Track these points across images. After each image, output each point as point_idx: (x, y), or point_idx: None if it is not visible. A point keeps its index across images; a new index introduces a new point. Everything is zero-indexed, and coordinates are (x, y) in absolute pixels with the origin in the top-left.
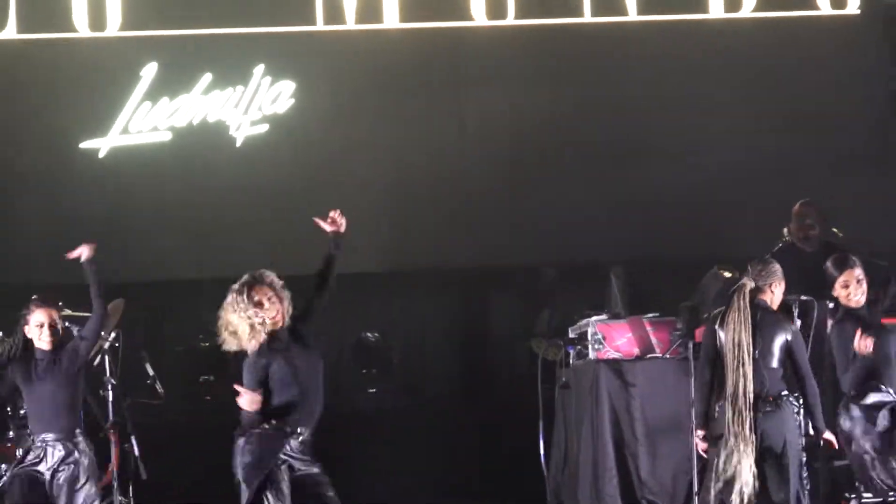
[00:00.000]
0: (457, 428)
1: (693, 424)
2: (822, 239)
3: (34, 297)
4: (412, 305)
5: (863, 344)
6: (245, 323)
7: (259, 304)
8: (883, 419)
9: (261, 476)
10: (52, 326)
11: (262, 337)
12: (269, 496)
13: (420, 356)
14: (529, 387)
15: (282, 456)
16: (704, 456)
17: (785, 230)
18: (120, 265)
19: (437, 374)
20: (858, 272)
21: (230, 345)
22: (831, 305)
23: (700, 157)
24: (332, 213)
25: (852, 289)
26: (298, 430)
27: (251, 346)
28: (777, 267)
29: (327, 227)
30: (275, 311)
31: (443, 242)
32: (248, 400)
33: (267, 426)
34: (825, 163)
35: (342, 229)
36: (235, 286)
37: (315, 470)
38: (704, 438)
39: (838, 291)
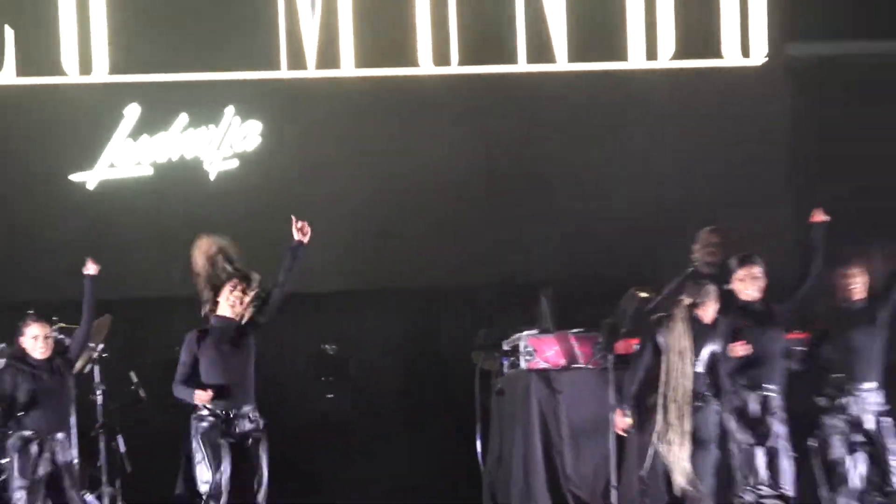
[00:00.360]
0: (404, 429)
1: (620, 408)
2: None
3: (29, 312)
4: (367, 321)
5: (737, 348)
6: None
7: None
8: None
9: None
10: (46, 338)
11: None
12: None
13: (373, 366)
14: (469, 393)
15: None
16: (622, 433)
17: (695, 254)
18: (105, 283)
19: (388, 381)
20: (757, 270)
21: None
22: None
23: (620, 191)
24: (302, 224)
25: (748, 282)
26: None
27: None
28: (712, 288)
29: (296, 234)
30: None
31: (395, 265)
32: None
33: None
34: (731, 197)
35: (306, 240)
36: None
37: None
38: (624, 420)
39: (735, 284)
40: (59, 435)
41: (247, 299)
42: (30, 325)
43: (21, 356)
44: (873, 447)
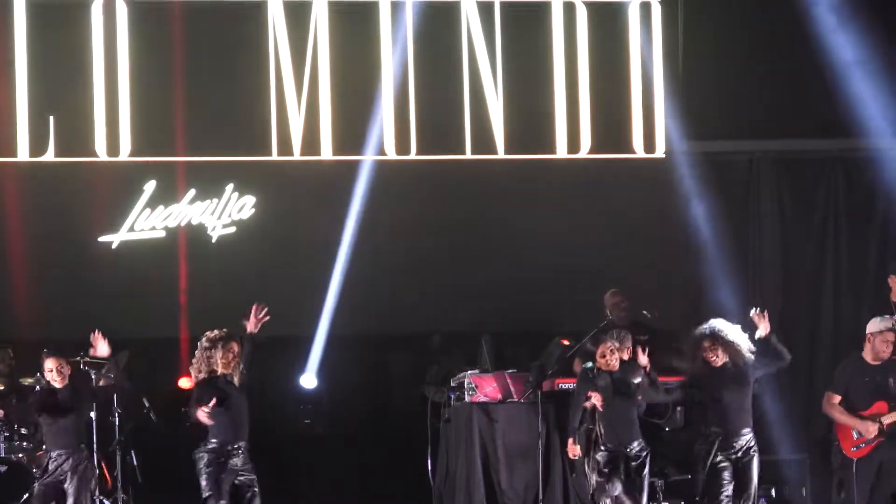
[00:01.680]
0: (366, 450)
1: (570, 439)
2: (631, 317)
3: (45, 349)
4: (338, 359)
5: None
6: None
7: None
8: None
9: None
10: (59, 371)
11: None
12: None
13: (342, 397)
14: (421, 422)
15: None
16: (573, 458)
17: (607, 311)
18: (125, 325)
19: (354, 410)
20: (612, 344)
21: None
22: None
23: (546, 257)
24: (260, 313)
25: (607, 358)
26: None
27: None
28: (630, 335)
29: (250, 325)
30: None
31: (360, 314)
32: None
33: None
34: (637, 264)
35: (256, 330)
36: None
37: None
38: (574, 448)
39: (598, 360)
40: (62, 451)
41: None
42: (46, 360)
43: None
44: None
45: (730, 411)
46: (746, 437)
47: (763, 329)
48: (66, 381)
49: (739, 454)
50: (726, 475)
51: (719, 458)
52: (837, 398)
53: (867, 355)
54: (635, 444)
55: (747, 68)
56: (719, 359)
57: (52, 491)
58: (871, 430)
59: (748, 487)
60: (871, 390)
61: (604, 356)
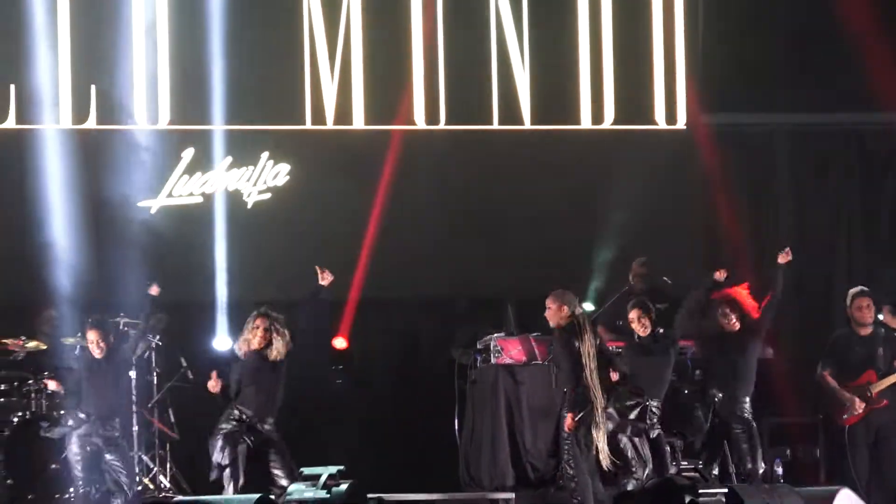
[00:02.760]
0: (395, 409)
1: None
2: (653, 284)
3: (88, 320)
4: (369, 323)
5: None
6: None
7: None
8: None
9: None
10: (98, 343)
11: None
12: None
13: (372, 358)
14: (448, 383)
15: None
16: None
17: (630, 277)
18: (164, 287)
19: (384, 371)
20: (636, 313)
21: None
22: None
23: (569, 225)
24: (324, 272)
25: (635, 325)
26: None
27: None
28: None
29: (322, 280)
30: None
31: (391, 280)
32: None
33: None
34: (657, 231)
35: (327, 283)
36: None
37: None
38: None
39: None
40: (113, 417)
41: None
42: (88, 332)
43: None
44: None
45: (735, 377)
46: (743, 405)
47: (783, 258)
48: (104, 353)
49: (734, 420)
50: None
51: (717, 421)
52: (828, 371)
53: (855, 326)
54: (655, 401)
55: (765, 43)
56: (735, 323)
57: (92, 451)
58: (858, 406)
59: (742, 453)
60: (861, 360)
61: (633, 322)
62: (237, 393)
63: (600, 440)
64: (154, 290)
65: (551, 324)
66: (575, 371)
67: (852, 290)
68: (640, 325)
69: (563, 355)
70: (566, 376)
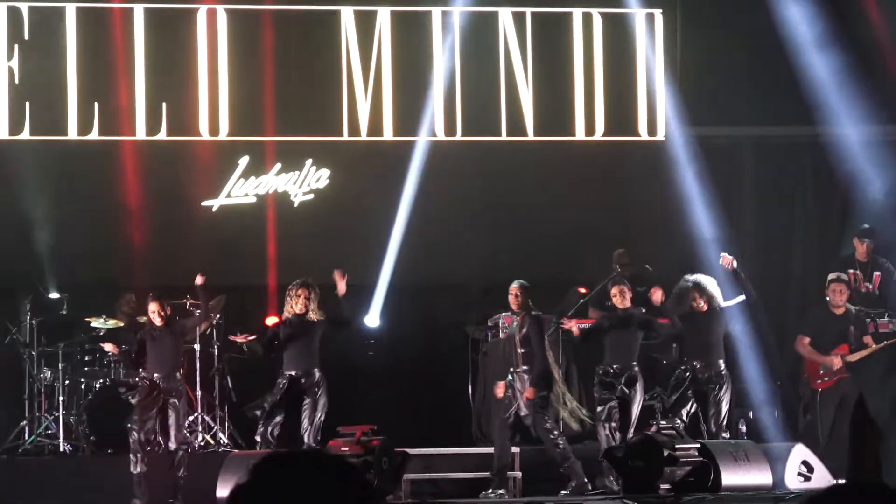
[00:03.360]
0: (419, 377)
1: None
2: (635, 270)
3: (151, 293)
4: (394, 305)
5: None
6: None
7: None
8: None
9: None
10: (159, 312)
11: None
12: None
13: (399, 334)
14: (463, 355)
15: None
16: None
17: (615, 266)
18: (223, 273)
19: (409, 345)
20: (617, 289)
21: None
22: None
23: (566, 221)
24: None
25: (616, 299)
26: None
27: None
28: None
29: (339, 292)
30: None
31: (414, 268)
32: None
33: None
34: (640, 227)
35: (341, 293)
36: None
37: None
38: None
39: (612, 298)
40: (171, 379)
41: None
42: (150, 303)
43: (149, 322)
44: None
45: (707, 346)
46: (720, 368)
47: (729, 264)
48: (164, 322)
49: (713, 381)
50: (693, 398)
51: (693, 386)
52: (807, 339)
53: (830, 307)
54: (634, 366)
55: (732, 65)
56: (703, 305)
57: (151, 408)
58: (836, 363)
59: (720, 409)
60: (835, 335)
61: (615, 296)
62: (282, 351)
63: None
64: (199, 280)
65: (519, 307)
66: (543, 353)
67: (830, 275)
68: (619, 299)
69: (540, 338)
70: (537, 356)
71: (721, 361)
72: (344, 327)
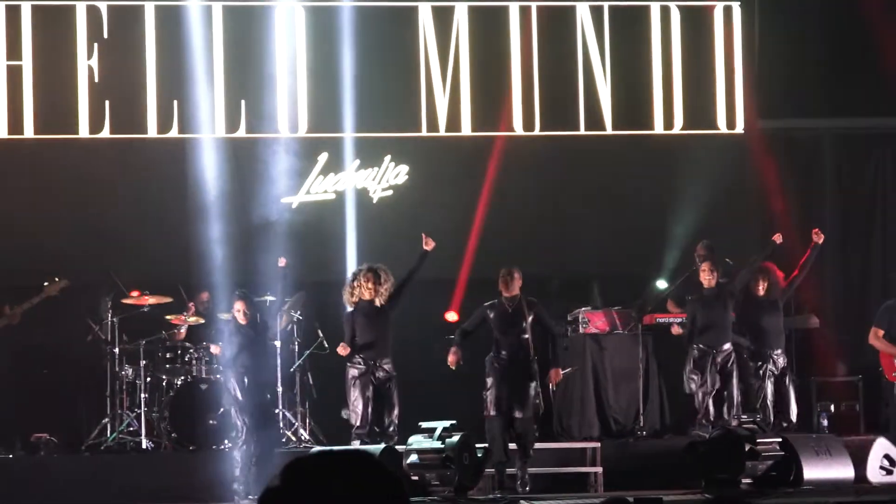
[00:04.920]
0: None
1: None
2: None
3: (236, 292)
4: (473, 299)
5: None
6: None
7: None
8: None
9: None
10: (245, 312)
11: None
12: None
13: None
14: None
15: None
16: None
17: (696, 258)
18: (303, 269)
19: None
20: (708, 266)
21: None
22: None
23: (645, 215)
24: (428, 239)
25: (705, 274)
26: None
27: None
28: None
29: (426, 246)
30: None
31: (489, 261)
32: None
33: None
34: (718, 221)
35: (430, 248)
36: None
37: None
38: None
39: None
40: (266, 377)
41: (381, 289)
42: (235, 301)
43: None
44: None
45: (761, 332)
46: (779, 357)
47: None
48: (247, 320)
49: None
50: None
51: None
52: (881, 332)
53: None
54: (726, 345)
55: (811, 57)
56: (762, 291)
57: (249, 403)
58: None
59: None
60: None
61: (704, 271)
62: (355, 342)
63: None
64: (282, 262)
65: (515, 293)
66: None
67: None
68: (708, 277)
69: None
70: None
71: (779, 351)
72: (405, 285)
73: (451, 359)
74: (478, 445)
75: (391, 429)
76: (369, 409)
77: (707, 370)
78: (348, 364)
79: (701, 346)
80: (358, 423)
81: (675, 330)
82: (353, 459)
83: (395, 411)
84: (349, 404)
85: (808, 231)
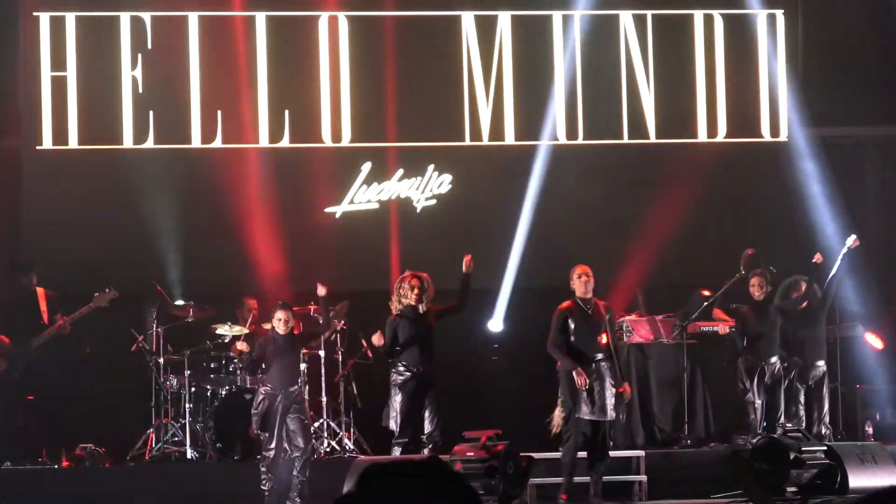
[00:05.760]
0: (542, 380)
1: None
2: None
3: (279, 302)
4: (517, 308)
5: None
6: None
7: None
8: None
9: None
10: (285, 322)
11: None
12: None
13: (522, 338)
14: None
15: None
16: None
17: (741, 266)
18: (346, 278)
19: (532, 348)
20: (759, 280)
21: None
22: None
23: (690, 223)
24: (468, 259)
25: (755, 289)
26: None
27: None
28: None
29: (465, 267)
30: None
31: (533, 270)
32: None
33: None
34: (763, 228)
35: (469, 271)
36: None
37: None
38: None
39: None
40: (292, 388)
41: (424, 296)
42: (277, 311)
43: (272, 331)
44: None
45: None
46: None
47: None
48: (287, 330)
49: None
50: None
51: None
52: None
53: None
54: (773, 357)
55: (855, 65)
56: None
57: (272, 417)
58: None
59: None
60: None
61: (753, 286)
62: (399, 350)
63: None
64: (321, 291)
65: (591, 293)
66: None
67: None
68: (758, 289)
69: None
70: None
71: (821, 363)
72: (451, 313)
73: (580, 381)
74: (521, 454)
75: (435, 436)
76: (411, 417)
77: (756, 381)
78: (392, 371)
79: (750, 357)
80: (398, 431)
81: (723, 329)
82: (430, 468)
83: (438, 419)
84: (391, 411)
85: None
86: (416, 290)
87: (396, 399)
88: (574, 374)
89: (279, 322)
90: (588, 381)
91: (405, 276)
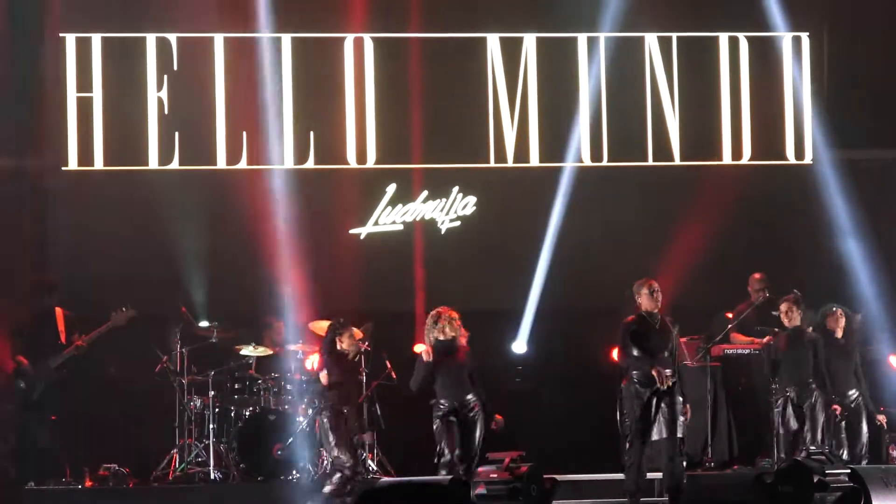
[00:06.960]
0: (566, 403)
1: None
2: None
3: (342, 320)
4: (541, 330)
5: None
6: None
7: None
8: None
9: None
10: (354, 341)
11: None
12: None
13: (546, 359)
14: (612, 380)
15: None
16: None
17: (751, 292)
18: (371, 301)
19: (556, 369)
20: (785, 306)
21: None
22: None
23: (714, 246)
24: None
25: (785, 316)
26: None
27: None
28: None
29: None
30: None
31: (557, 292)
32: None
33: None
34: (786, 249)
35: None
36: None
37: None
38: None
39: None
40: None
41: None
42: (346, 330)
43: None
44: None
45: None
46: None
47: None
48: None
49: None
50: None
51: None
52: None
53: None
54: (809, 383)
55: (880, 87)
56: (839, 332)
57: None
58: None
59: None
60: None
61: (784, 312)
62: (436, 383)
63: None
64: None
65: (660, 309)
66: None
67: None
68: (786, 318)
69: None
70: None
71: (851, 392)
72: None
73: (660, 379)
74: (545, 476)
75: (474, 459)
76: (457, 443)
77: (785, 407)
78: (434, 412)
79: (777, 383)
80: (447, 456)
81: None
82: (425, 490)
83: (478, 443)
84: (437, 446)
85: (880, 263)
86: (457, 322)
87: (442, 434)
88: (654, 372)
89: (352, 339)
90: (657, 398)
91: (439, 312)
